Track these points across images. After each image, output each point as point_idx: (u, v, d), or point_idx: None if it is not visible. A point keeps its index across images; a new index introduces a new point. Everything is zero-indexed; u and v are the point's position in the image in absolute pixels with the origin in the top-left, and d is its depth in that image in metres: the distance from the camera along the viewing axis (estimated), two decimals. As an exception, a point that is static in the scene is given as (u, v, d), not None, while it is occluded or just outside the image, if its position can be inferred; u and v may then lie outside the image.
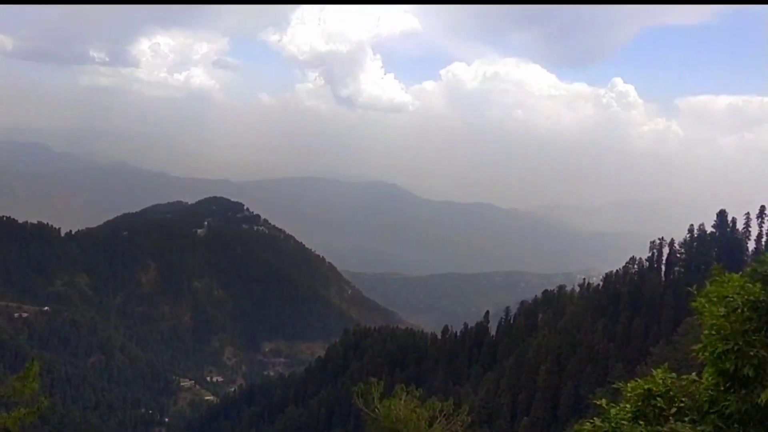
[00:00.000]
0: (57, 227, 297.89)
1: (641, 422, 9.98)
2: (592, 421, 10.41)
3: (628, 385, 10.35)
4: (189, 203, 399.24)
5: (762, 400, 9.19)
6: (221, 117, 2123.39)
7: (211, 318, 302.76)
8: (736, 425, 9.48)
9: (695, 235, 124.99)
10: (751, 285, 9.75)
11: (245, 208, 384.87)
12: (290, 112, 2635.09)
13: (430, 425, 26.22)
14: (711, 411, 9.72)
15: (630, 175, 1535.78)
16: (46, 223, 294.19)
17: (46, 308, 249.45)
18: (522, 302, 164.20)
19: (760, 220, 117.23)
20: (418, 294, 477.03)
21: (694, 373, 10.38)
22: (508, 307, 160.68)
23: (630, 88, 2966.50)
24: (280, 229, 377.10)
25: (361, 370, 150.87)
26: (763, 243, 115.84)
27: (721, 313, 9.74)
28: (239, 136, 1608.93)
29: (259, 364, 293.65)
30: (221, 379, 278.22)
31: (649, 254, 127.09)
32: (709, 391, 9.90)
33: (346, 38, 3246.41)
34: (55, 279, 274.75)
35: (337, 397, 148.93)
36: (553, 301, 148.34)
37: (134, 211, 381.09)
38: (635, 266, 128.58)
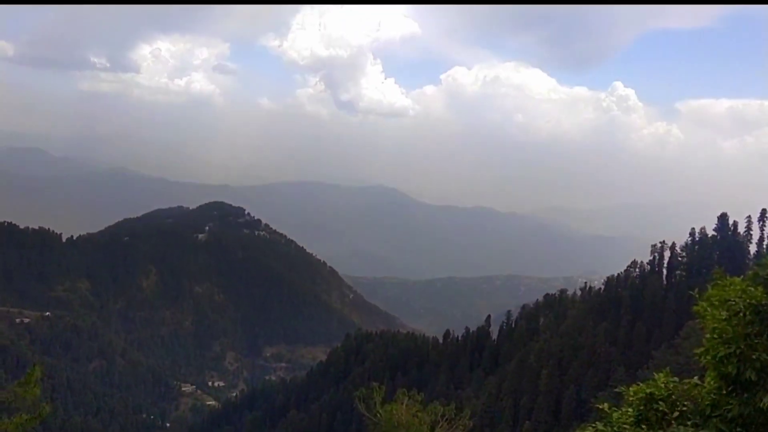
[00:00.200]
0: (58, 233, 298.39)
1: (643, 426, 9.99)
2: (594, 425, 10.42)
3: (630, 389, 10.36)
4: (190, 208, 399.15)
5: (764, 404, 9.20)
6: (222, 122, 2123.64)
7: (213, 323, 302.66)
8: (738, 429, 9.48)
9: (697, 239, 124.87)
10: (752, 288, 9.77)
11: (246, 213, 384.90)
12: (291, 117, 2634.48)
13: (432, 430, 26.23)
14: (713, 415, 9.72)
15: (631, 178, 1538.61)
16: (47, 228, 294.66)
17: (47, 313, 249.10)
18: (523, 306, 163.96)
19: (761, 223, 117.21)
20: (419, 298, 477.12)
21: (696, 377, 10.38)
22: (509, 311, 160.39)
23: (630, 92, 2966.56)
24: (281, 234, 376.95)
25: (363, 375, 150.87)
26: (764, 246, 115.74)
27: (723, 317, 9.75)
28: (240, 141, 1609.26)
29: (260, 369, 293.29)
30: (222, 384, 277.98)
31: (651, 258, 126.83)
32: (712, 395, 9.90)
33: (347, 43, 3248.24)
34: (56, 284, 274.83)
35: (339, 402, 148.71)
36: (555, 305, 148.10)
37: (135, 217, 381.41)
38: (637, 270, 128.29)
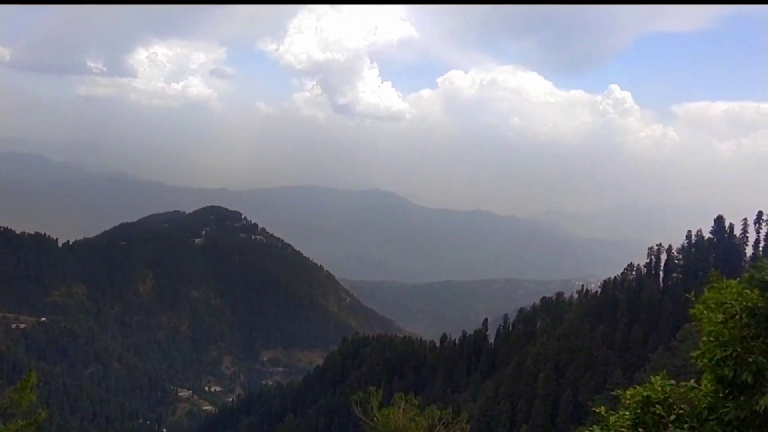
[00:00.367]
0: (54, 237, 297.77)
1: (640, 429, 9.97)
2: (591, 428, 10.39)
3: (627, 392, 10.33)
4: (186, 212, 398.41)
5: (761, 407, 9.18)
6: (219, 126, 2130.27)
7: (209, 327, 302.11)
8: (735, 432, 9.47)
9: (693, 241, 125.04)
10: (749, 291, 9.76)
11: (243, 217, 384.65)
12: (288, 121, 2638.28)
13: (429, 434, 26.17)
14: (710, 418, 9.70)
15: (627, 181, 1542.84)
16: (43, 233, 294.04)
17: (43, 319, 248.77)
18: (520, 309, 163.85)
19: (757, 225, 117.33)
20: (416, 302, 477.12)
21: (692, 380, 10.36)
22: (506, 315, 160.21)
23: (627, 95, 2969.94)
24: (278, 238, 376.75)
25: (360, 379, 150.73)
26: (760, 248, 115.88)
27: (720, 320, 9.74)
28: (237, 145, 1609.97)
29: (257, 374, 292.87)
30: (219, 389, 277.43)
31: (647, 260, 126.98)
32: (708, 398, 9.88)
33: (343, 47, 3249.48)
34: (52, 289, 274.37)
35: (336, 406, 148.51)
36: (552, 308, 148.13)
37: (132, 221, 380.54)
38: (633, 272, 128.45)
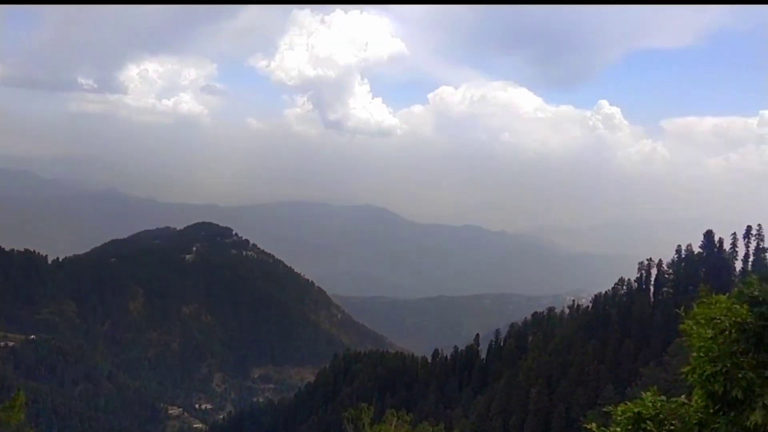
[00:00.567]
0: (44, 254, 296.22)
1: (632, 446, 9.96)
2: (583, 445, 10.38)
3: (618, 408, 10.32)
4: (177, 229, 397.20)
5: (751, 423, 9.20)
6: (210, 142, 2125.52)
7: (200, 344, 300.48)
8: (725, 448, 9.47)
9: (683, 256, 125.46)
10: (738, 306, 9.80)
11: (234, 233, 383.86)
12: (279, 137, 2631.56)
13: (421, 451, 26.10)
14: (701, 433, 9.71)
15: (617, 196, 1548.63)
16: (33, 250, 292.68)
17: (32, 337, 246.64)
18: (512, 325, 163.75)
19: (746, 240, 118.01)
20: (407, 317, 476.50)
21: (683, 396, 10.37)
22: (497, 330, 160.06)
23: (616, 110, 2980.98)
24: (269, 254, 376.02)
25: (352, 395, 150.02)
26: (749, 263, 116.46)
27: (709, 335, 9.77)
28: (228, 161, 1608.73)
29: (248, 391, 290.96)
30: (210, 407, 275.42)
31: (638, 275, 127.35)
32: (699, 414, 9.89)
33: (334, 63, 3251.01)
34: (42, 307, 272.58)
35: (328, 423, 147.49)
36: (543, 323, 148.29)
37: (122, 238, 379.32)
38: (624, 287, 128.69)
